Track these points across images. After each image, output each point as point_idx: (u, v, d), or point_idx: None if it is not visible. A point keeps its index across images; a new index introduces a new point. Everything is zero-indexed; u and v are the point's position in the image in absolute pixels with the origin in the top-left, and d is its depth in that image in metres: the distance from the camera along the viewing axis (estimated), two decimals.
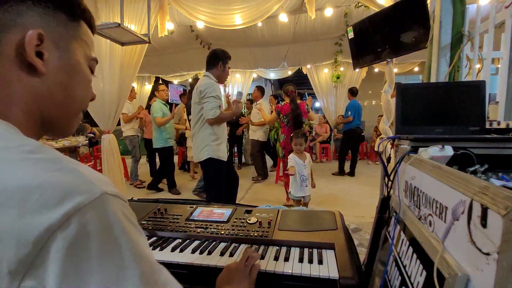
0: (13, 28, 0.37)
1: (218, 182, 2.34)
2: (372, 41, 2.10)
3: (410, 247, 0.65)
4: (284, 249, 0.88)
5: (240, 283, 0.69)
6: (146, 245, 0.35)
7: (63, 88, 0.42)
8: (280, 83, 12.56)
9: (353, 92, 5.38)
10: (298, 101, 3.57)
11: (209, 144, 2.28)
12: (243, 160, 6.57)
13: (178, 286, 0.38)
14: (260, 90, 4.98)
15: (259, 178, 4.95)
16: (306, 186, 2.69)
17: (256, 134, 5.01)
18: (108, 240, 0.31)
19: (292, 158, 2.68)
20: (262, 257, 0.84)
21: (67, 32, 0.43)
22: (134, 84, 7.07)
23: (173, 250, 0.90)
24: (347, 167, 5.29)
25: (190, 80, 8.16)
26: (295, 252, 0.87)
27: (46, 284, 0.28)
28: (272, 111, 4.23)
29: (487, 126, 1.04)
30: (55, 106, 0.42)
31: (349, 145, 5.34)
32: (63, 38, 0.42)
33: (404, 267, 0.65)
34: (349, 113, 5.21)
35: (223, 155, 2.35)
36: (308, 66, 6.68)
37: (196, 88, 2.29)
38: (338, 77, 6.48)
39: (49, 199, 0.29)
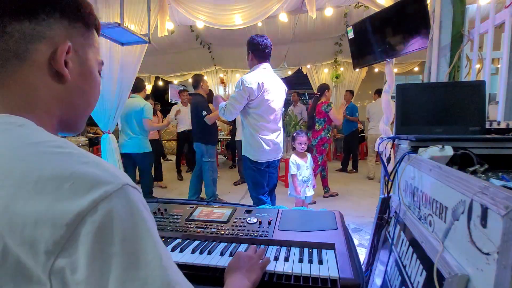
0: (44, 39, 0.41)
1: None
2: (372, 41, 2.10)
3: (410, 247, 0.65)
4: (284, 249, 0.88)
5: (250, 271, 0.69)
6: (159, 236, 0.38)
7: (81, 93, 0.47)
8: None
9: (353, 94, 5.58)
10: (323, 99, 3.75)
11: None
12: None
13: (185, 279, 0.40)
14: None
15: (240, 182, 4.72)
16: (308, 186, 2.68)
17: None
18: (130, 225, 0.34)
19: (293, 162, 2.67)
20: (263, 255, 0.84)
21: (84, 41, 0.47)
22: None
23: (173, 250, 0.90)
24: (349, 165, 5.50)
25: (190, 80, 8.17)
26: (295, 252, 0.87)
27: (76, 263, 0.30)
28: None
29: (487, 126, 1.04)
30: (73, 109, 0.47)
31: (354, 144, 5.53)
32: (82, 47, 0.46)
33: (404, 267, 0.65)
34: (357, 114, 5.42)
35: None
36: (308, 66, 6.68)
37: (283, 86, 2.27)
38: (337, 77, 6.48)
39: (79, 187, 0.32)
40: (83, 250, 0.31)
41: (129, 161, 3.38)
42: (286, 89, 2.29)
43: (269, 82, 2.06)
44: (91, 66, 0.48)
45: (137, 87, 3.32)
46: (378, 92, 5.11)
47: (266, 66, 2.15)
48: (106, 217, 0.32)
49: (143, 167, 3.46)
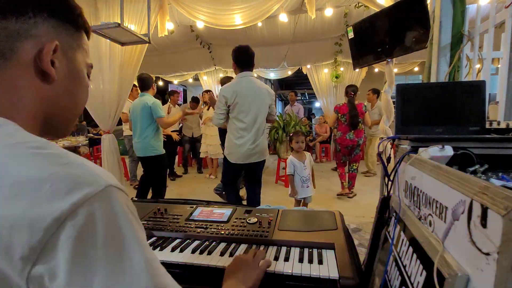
0: (30, 38, 0.40)
1: None
2: (372, 41, 2.10)
3: (410, 247, 0.65)
4: (284, 249, 0.88)
5: (249, 273, 0.69)
6: (145, 238, 0.37)
7: (68, 94, 0.46)
8: (280, 83, 12.58)
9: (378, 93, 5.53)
10: (356, 102, 3.82)
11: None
12: None
13: (174, 281, 0.39)
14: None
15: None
16: (308, 186, 2.67)
17: None
18: (114, 228, 0.33)
19: (290, 162, 2.67)
20: (262, 258, 0.84)
21: (73, 42, 0.46)
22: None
23: (173, 250, 0.90)
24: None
25: (190, 80, 8.15)
26: (295, 252, 0.87)
27: (56, 270, 0.29)
28: None
29: (487, 126, 1.04)
30: (59, 110, 0.45)
31: None
32: (70, 48, 0.45)
33: (404, 267, 0.65)
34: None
35: None
36: (308, 66, 6.68)
37: (267, 90, 2.35)
38: (337, 77, 6.48)
39: (58, 190, 0.31)
40: (63, 256, 0.29)
41: (144, 164, 3.14)
42: (272, 93, 2.39)
43: (245, 89, 2.27)
44: (79, 68, 0.47)
45: (145, 84, 3.04)
46: (377, 92, 5.16)
47: (246, 74, 2.32)
48: (87, 220, 0.31)
49: (150, 172, 3.15)
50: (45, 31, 0.41)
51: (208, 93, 4.48)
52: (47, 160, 0.33)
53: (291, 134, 2.83)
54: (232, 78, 3.44)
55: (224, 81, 3.38)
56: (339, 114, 3.83)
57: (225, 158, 2.47)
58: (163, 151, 3.09)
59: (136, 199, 1.39)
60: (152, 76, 3.19)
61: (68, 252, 0.29)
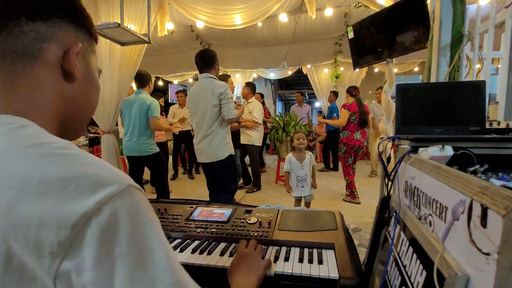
0: (56, 40, 0.43)
1: (236, 178, 2.57)
2: (372, 41, 2.10)
3: (410, 247, 0.65)
4: (284, 249, 0.88)
5: (253, 267, 0.69)
6: (165, 236, 0.38)
7: (85, 95, 0.49)
8: (280, 83, 12.57)
9: (337, 95, 5.71)
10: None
11: (228, 142, 2.43)
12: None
13: (192, 280, 0.41)
14: (251, 87, 4.27)
15: (254, 190, 4.36)
16: (303, 186, 2.67)
17: (253, 138, 4.19)
18: (136, 226, 0.34)
19: (288, 160, 2.68)
20: (262, 257, 0.84)
21: (89, 47, 0.50)
22: (133, 84, 7.06)
23: (173, 250, 0.90)
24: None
25: (190, 80, 8.16)
26: (295, 252, 0.87)
27: (82, 265, 0.30)
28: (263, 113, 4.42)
29: (487, 126, 1.04)
30: (76, 110, 0.48)
31: (334, 143, 5.58)
32: (87, 51, 0.49)
33: (404, 267, 0.65)
34: (334, 114, 5.26)
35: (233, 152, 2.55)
36: (308, 66, 6.68)
37: (212, 90, 2.31)
38: (337, 77, 6.48)
39: (84, 188, 0.32)
40: (89, 252, 0.30)
41: (136, 165, 3.03)
42: (217, 92, 2.30)
43: (194, 91, 2.47)
44: (94, 71, 0.51)
45: (142, 81, 2.98)
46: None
47: (200, 76, 2.47)
48: (112, 218, 0.32)
49: (154, 169, 3.07)
50: (69, 34, 0.45)
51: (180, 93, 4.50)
52: (72, 160, 0.35)
53: (292, 134, 2.83)
54: (228, 76, 3.47)
55: (221, 78, 3.39)
56: (350, 113, 3.70)
57: (232, 159, 2.56)
58: (158, 149, 3.04)
59: None
60: (150, 73, 3.11)
61: (94, 248, 0.31)
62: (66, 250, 0.30)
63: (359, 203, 3.62)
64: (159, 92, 5.02)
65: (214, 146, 2.37)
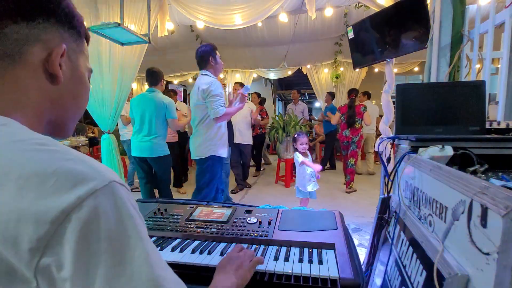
0: (39, 42, 0.43)
1: (215, 180, 2.41)
2: (372, 41, 2.10)
3: (410, 247, 0.65)
4: (284, 249, 0.88)
5: (238, 269, 0.69)
6: (147, 233, 0.38)
7: (72, 96, 0.49)
8: (280, 83, 12.57)
9: (333, 96, 5.81)
10: (356, 103, 4.30)
11: (213, 143, 2.34)
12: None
13: (174, 275, 0.40)
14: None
15: (238, 190, 4.39)
16: (314, 181, 2.74)
17: (246, 137, 4.42)
18: (117, 222, 0.34)
19: (297, 155, 2.72)
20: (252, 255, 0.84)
21: (76, 47, 0.49)
22: (134, 85, 7.06)
23: (173, 250, 0.90)
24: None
25: (190, 80, 8.17)
26: (295, 252, 0.87)
27: (62, 260, 0.30)
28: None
29: (487, 126, 1.04)
30: (63, 111, 0.48)
31: (333, 144, 5.81)
32: (74, 52, 0.48)
33: (404, 267, 0.65)
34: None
35: (224, 152, 2.42)
36: (308, 66, 6.68)
37: (198, 87, 2.29)
38: (337, 77, 6.48)
39: (64, 184, 0.32)
40: (69, 247, 0.30)
41: (144, 166, 2.87)
42: (203, 87, 2.25)
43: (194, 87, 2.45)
44: (82, 72, 0.50)
45: (154, 79, 2.78)
46: (367, 94, 5.47)
47: (200, 73, 2.44)
48: (92, 214, 0.32)
49: (160, 172, 2.89)
50: (53, 36, 0.44)
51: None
52: (52, 156, 0.34)
53: (295, 135, 2.84)
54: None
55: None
56: (340, 114, 4.39)
57: (214, 160, 2.54)
58: (169, 151, 2.91)
59: (135, 199, 1.38)
60: (162, 71, 2.91)
61: (74, 243, 0.31)
62: (46, 246, 0.30)
63: (350, 190, 4.17)
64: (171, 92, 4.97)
65: (196, 144, 2.37)
